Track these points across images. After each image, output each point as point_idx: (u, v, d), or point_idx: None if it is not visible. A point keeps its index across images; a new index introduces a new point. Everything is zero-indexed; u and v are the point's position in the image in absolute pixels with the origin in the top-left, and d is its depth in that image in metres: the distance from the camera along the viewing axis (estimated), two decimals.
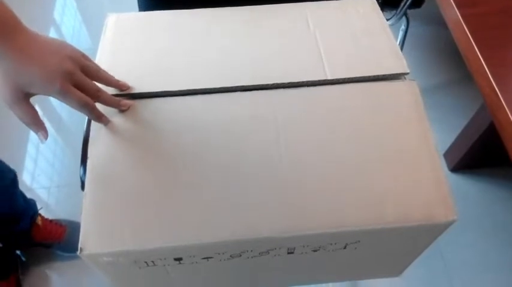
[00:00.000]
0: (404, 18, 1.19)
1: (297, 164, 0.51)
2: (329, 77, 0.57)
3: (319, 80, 0.57)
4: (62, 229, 1.16)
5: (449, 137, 1.26)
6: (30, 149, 1.35)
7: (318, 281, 0.71)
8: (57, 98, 0.49)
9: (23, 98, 0.49)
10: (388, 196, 0.49)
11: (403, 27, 1.23)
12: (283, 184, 0.50)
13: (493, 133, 0.67)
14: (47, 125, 0.52)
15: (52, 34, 1.62)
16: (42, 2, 1.68)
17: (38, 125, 0.50)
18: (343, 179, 0.50)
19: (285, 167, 0.51)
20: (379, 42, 0.62)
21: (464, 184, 1.24)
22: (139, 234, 0.47)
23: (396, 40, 1.27)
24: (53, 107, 1.42)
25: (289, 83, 0.57)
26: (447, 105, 1.36)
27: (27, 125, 0.51)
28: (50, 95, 0.49)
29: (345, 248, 0.53)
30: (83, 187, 0.52)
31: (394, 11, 1.10)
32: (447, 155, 1.28)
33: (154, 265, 0.51)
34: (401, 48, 1.27)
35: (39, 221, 1.14)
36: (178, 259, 0.51)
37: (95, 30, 1.64)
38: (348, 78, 0.57)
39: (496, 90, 0.64)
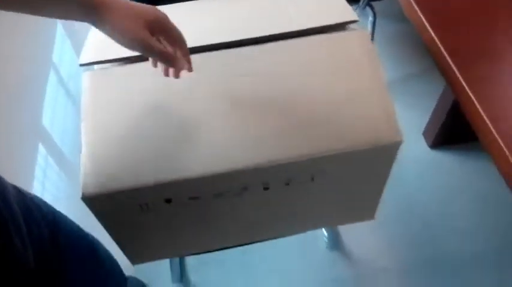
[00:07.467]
0: (369, 10, 1.30)
1: (263, 104, 0.60)
2: (295, 29, 0.66)
3: (286, 32, 0.66)
4: None
5: (425, 118, 1.35)
6: (40, 160, 1.42)
7: (296, 232, 0.78)
8: (145, 55, 0.54)
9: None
10: (342, 126, 0.58)
11: (370, 18, 1.33)
12: (250, 122, 0.58)
13: (458, 111, 0.74)
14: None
15: (51, 75, 1.69)
16: (42, 43, 1.79)
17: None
18: (301, 118, 0.59)
19: (253, 108, 0.59)
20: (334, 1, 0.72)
21: (442, 158, 1.32)
22: (134, 173, 0.55)
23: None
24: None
25: (262, 36, 0.65)
26: (418, 91, 1.46)
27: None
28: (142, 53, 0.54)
29: (312, 180, 0.60)
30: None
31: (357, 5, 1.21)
32: (425, 134, 1.36)
33: (148, 208, 0.58)
34: (372, 40, 1.37)
35: None
36: (168, 201, 0.58)
37: None
38: (310, 29, 0.66)
39: (449, 64, 0.71)
